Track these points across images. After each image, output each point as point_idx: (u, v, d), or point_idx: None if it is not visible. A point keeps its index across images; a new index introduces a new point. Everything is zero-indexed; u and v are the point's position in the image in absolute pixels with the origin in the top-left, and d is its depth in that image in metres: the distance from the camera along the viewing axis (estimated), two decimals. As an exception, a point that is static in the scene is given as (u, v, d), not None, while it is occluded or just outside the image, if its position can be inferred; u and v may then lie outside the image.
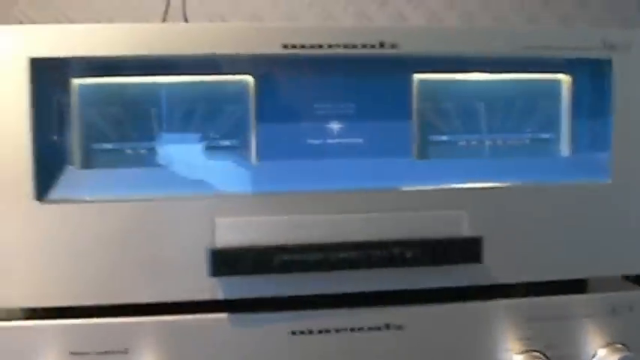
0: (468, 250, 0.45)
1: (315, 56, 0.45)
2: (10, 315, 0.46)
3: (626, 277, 0.53)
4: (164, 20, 0.77)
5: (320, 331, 0.46)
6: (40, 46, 0.43)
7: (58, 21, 0.77)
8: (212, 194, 0.45)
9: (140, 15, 0.77)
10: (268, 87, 0.46)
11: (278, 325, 0.46)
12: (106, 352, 0.45)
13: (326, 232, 0.45)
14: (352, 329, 0.46)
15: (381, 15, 0.80)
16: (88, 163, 0.46)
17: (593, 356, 0.50)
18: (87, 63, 0.44)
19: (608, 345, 0.50)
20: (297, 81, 0.46)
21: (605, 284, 0.51)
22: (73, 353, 0.44)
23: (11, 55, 0.42)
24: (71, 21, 0.77)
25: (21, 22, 0.76)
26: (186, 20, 0.77)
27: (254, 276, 0.44)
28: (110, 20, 0.77)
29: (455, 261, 0.46)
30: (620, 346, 0.49)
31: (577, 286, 0.51)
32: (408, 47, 0.46)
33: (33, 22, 0.76)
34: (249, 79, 0.46)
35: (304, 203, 0.45)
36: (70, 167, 0.45)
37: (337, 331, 0.46)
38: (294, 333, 0.46)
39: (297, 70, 0.46)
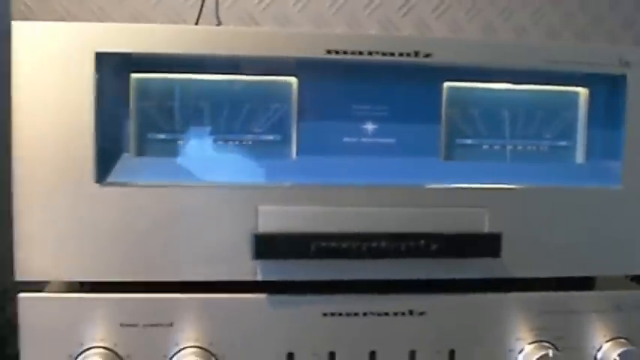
0: (488, 245, 0.49)
1: (354, 62, 0.49)
2: (66, 288, 0.50)
3: (633, 278, 0.56)
4: (198, 19, 0.80)
5: (349, 314, 0.50)
6: (105, 42, 0.47)
7: (95, 14, 0.80)
8: (256, 184, 0.49)
9: (174, 14, 0.81)
10: (310, 88, 0.50)
11: (311, 306, 0.50)
12: (152, 325, 0.49)
13: (358, 223, 0.49)
14: (379, 313, 0.50)
15: (405, 23, 0.84)
16: (142, 151, 0.49)
17: (599, 349, 0.53)
18: (146, 59, 0.48)
19: (612, 339, 0.53)
20: (336, 84, 0.50)
21: (612, 283, 0.55)
22: (122, 325, 0.48)
23: (79, 49, 0.46)
24: (108, 16, 0.81)
25: (60, 15, 0.79)
26: (218, 20, 0.81)
27: (291, 260, 0.48)
28: (145, 17, 0.80)
29: (475, 255, 0.50)
30: (623, 340, 0.53)
31: (586, 284, 0.55)
32: (441, 57, 0.50)
33: (70, 14, 0.80)
34: (293, 80, 0.50)
35: (339, 196, 0.49)
36: (126, 154, 0.49)
37: (365, 314, 0.50)
38: (325, 315, 0.50)
39: (338, 73, 0.50)
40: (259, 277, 0.49)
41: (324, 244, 0.47)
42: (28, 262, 0.47)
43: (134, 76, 0.49)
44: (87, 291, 0.49)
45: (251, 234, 0.47)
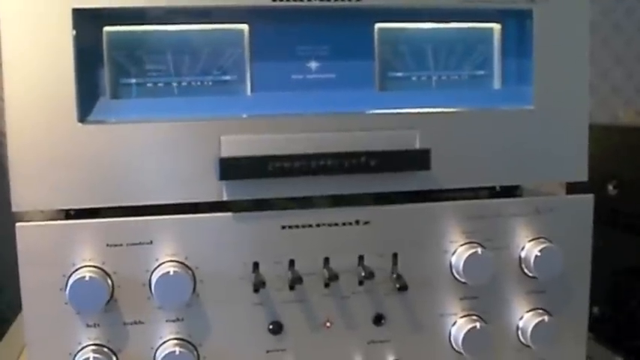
0: (419, 159, 0.58)
1: (297, 8, 0.57)
2: (55, 216, 0.57)
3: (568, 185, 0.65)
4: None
5: (304, 226, 0.58)
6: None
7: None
8: (217, 117, 0.56)
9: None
10: (260, 33, 0.58)
11: (271, 221, 0.57)
12: (134, 244, 0.56)
13: (308, 147, 0.57)
14: (329, 224, 0.58)
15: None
16: (116, 94, 0.57)
17: (522, 248, 0.62)
18: (116, 13, 0.56)
19: (534, 239, 0.62)
20: (283, 28, 0.58)
21: (531, 190, 0.64)
22: (108, 245, 0.56)
23: (58, 7, 0.54)
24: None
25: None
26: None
27: (252, 180, 0.56)
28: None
29: (409, 168, 0.58)
30: (543, 239, 0.62)
31: (511, 192, 0.63)
32: (371, 0, 0.58)
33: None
34: (244, 26, 0.58)
35: (290, 124, 0.57)
36: (103, 98, 0.56)
37: (318, 225, 0.58)
38: (284, 227, 0.58)
39: (283, 19, 0.58)
40: (225, 198, 0.57)
41: (279, 164, 0.55)
42: (22, 195, 0.54)
43: (106, 29, 0.56)
44: (74, 218, 0.56)
45: (216, 159, 0.55)
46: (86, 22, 0.54)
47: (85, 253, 0.55)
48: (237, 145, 0.56)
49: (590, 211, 0.62)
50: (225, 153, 0.55)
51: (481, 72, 0.62)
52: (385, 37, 0.60)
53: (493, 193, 0.64)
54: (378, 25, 0.60)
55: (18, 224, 0.55)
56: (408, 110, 0.59)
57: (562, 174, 0.63)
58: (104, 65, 0.56)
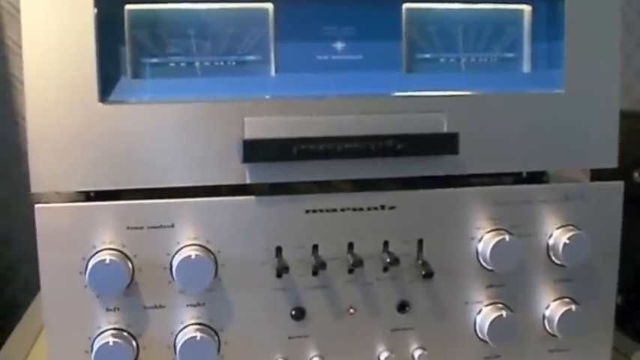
0: (447, 143, 0.56)
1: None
2: (70, 198, 0.56)
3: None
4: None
5: (329, 210, 0.57)
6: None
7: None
8: (241, 98, 0.55)
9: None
10: (285, 12, 0.57)
11: (295, 205, 0.56)
12: (155, 227, 0.55)
13: (333, 129, 0.55)
14: (354, 209, 0.57)
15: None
16: (137, 74, 0.56)
17: (550, 236, 0.61)
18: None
19: (562, 226, 0.61)
20: (308, 7, 0.57)
21: (561, 176, 0.63)
22: (129, 228, 0.55)
23: (80, -16, 0.52)
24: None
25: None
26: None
27: (276, 163, 0.55)
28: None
29: (437, 152, 0.56)
30: (571, 227, 0.60)
31: (537, 178, 0.62)
32: (399, -21, 0.56)
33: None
34: (269, 5, 0.57)
35: (315, 106, 0.56)
36: (124, 77, 0.55)
37: (342, 210, 0.57)
38: (307, 212, 0.57)
39: (309, -2, 0.57)
40: (248, 181, 0.55)
41: (304, 146, 0.54)
42: (41, 176, 0.53)
43: (128, 7, 0.55)
44: (94, 200, 0.55)
45: (239, 141, 0.54)
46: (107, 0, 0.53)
47: (105, 236, 0.54)
48: (261, 126, 0.55)
49: (619, 199, 0.61)
50: (249, 135, 0.54)
51: (510, 55, 0.61)
52: (413, 17, 0.58)
53: (518, 179, 0.63)
54: (405, 5, 0.58)
55: (37, 206, 0.54)
56: (435, 93, 0.58)
57: (591, 160, 0.61)
58: (125, 44, 0.55)
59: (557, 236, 0.60)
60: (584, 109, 0.60)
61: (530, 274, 0.60)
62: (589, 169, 0.68)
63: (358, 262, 0.56)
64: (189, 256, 0.54)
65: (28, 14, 0.52)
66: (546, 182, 0.62)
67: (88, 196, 0.56)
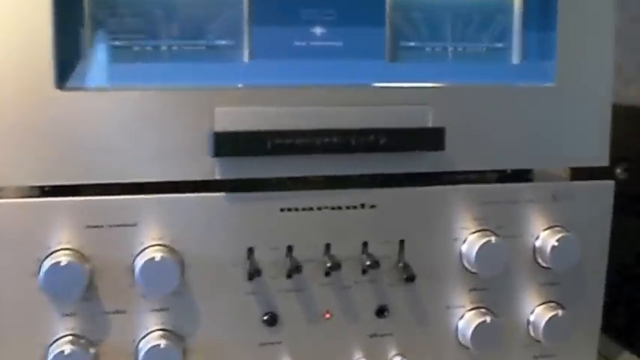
0: (432, 138, 0.53)
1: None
2: (23, 194, 0.51)
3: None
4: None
5: (305, 209, 0.53)
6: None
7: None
8: (211, 87, 0.51)
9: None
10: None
11: (269, 203, 0.52)
12: (116, 225, 0.50)
13: (310, 122, 0.51)
14: (332, 207, 0.53)
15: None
16: (98, 57, 0.51)
17: (537, 237, 0.57)
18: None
19: (549, 227, 0.57)
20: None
21: (545, 174, 0.59)
22: (88, 227, 0.50)
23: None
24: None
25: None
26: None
27: (248, 158, 0.51)
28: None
29: (422, 148, 0.53)
30: (559, 228, 0.57)
31: (522, 175, 0.59)
32: (384, -39, 0.52)
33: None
34: (243, -16, 0.52)
35: (292, 96, 0.52)
36: (83, 61, 0.50)
37: (319, 209, 0.53)
38: (282, 210, 0.52)
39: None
40: (217, 176, 0.51)
41: (279, 140, 0.50)
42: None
43: (88, -16, 0.50)
44: (49, 195, 0.50)
45: (210, 133, 0.49)
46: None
47: (61, 235, 0.50)
48: (233, 117, 0.50)
49: (610, 199, 0.58)
50: (220, 127, 0.50)
51: (500, 44, 0.57)
52: (398, 2, 0.54)
53: (502, 176, 0.59)
54: (392, -10, 0.54)
55: (-11, 201, 0.49)
56: (420, 84, 0.54)
57: (582, 158, 0.58)
58: (84, 24, 0.50)
59: (545, 238, 0.57)
60: (575, 104, 0.57)
61: (515, 277, 0.57)
62: (569, 168, 0.65)
63: (336, 265, 0.52)
64: (154, 257, 0.49)
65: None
66: (531, 180, 0.58)
67: (43, 192, 0.51)
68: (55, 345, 0.50)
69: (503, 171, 0.60)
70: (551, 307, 0.58)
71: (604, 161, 0.58)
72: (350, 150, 0.51)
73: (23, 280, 0.49)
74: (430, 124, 0.53)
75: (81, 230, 0.50)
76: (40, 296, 0.49)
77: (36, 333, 0.50)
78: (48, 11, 0.47)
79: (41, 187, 0.51)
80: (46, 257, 0.49)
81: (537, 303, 0.58)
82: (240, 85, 0.51)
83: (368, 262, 0.53)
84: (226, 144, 0.49)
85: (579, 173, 0.61)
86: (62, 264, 0.48)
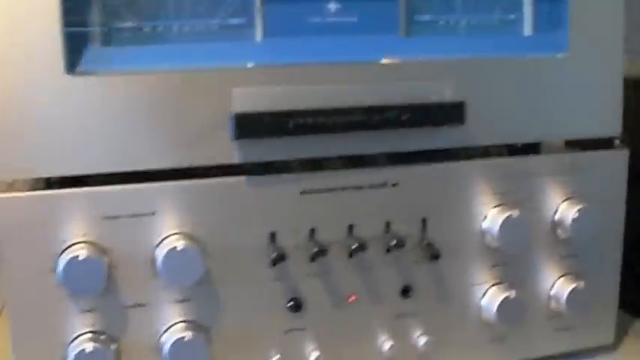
0: (454, 112, 0.52)
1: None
2: (38, 185, 0.49)
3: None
4: None
5: (326, 190, 0.51)
6: None
7: None
8: (227, 67, 0.49)
9: None
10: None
11: (289, 185, 0.51)
12: (134, 216, 0.48)
13: (330, 100, 0.50)
14: (355, 187, 0.52)
15: None
16: (109, 41, 0.48)
17: (556, 209, 0.57)
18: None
19: (567, 199, 0.57)
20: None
21: (553, 147, 0.59)
22: (104, 217, 0.48)
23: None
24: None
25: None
26: None
27: (267, 141, 0.49)
28: None
29: (444, 122, 0.52)
30: (577, 199, 0.57)
31: (531, 148, 0.58)
32: None
33: None
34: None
35: (310, 74, 0.50)
36: (93, 45, 0.48)
37: (342, 189, 0.52)
38: (303, 192, 0.51)
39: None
40: (237, 160, 0.49)
41: (303, 120, 0.48)
42: (3, 162, 0.46)
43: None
44: (56, 187, 0.48)
45: (231, 114, 0.48)
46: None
47: (78, 228, 0.47)
48: (251, 98, 0.49)
49: (624, 167, 0.58)
50: (239, 108, 0.48)
51: (512, 16, 0.56)
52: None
53: (512, 150, 0.59)
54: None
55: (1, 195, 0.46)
56: (436, 58, 0.53)
57: (595, 127, 0.57)
58: (94, 7, 0.47)
59: (564, 210, 0.56)
60: (588, 74, 0.56)
61: (535, 250, 0.57)
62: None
63: (362, 246, 0.51)
64: (175, 247, 0.47)
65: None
66: (538, 153, 0.57)
67: (49, 184, 0.49)
68: (75, 343, 0.48)
69: (513, 145, 0.59)
70: (571, 278, 0.57)
71: (616, 130, 0.58)
72: (373, 127, 0.50)
73: (40, 276, 0.47)
74: (448, 98, 0.52)
75: (98, 222, 0.48)
76: (58, 292, 0.47)
77: (55, 331, 0.48)
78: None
79: (47, 180, 0.48)
80: (63, 251, 0.47)
81: (557, 275, 0.58)
82: (255, 65, 0.50)
83: (394, 242, 0.51)
84: (248, 125, 0.48)
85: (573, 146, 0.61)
86: (81, 258, 0.46)
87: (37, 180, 0.49)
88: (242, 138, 0.48)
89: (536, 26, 0.56)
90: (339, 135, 0.50)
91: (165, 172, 0.49)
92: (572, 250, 0.57)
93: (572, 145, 0.58)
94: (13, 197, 0.46)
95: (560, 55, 0.56)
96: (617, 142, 0.73)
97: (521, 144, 0.58)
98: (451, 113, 0.51)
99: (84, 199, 0.47)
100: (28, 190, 0.47)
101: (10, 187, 0.48)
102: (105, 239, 0.48)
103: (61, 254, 0.47)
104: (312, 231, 0.51)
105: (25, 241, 0.46)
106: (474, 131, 0.53)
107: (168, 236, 0.49)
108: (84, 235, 0.47)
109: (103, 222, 0.48)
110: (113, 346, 0.49)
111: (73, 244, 0.47)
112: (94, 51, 0.47)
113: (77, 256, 0.46)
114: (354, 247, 0.51)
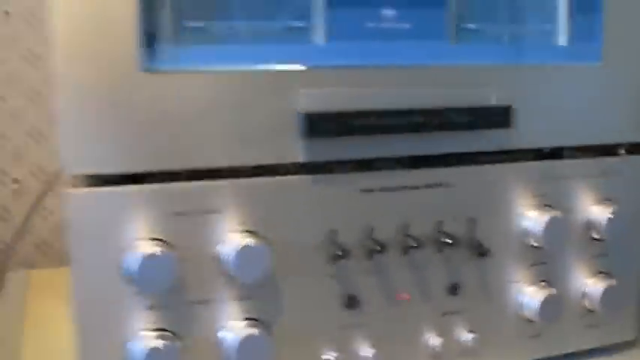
0: (505, 116, 0.54)
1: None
2: (106, 181, 0.48)
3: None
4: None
5: (384, 189, 0.53)
6: None
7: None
8: (293, 69, 0.50)
9: None
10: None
11: (350, 184, 0.52)
12: (202, 212, 0.49)
13: (391, 102, 0.52)
14: (411, 187, 0.53)
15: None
16: (182, 40, 0.49)
17: (589, 210, 0.59)
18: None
19: (600, 201, 0.60)
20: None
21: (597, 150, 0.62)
22: (172, 214, 0.48)
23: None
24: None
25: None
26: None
27: (331, 139, 0.50)
28: None
29: (497, 125, 0.54)
30: (610, 201, 0.59)
31: (558, 154, 0.60)
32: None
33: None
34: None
35: (367, 76, 0.52)
36: (164, 43, 0.48)
37: (402, 188, 0.53)
38: (363, 191, 0.52)
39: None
40: (303, 159, 0.50)
41: (369, 120, 0.50)
42: (75, 158, 0.46)
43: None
44: (116, 183, 0.48)
45: (301, 114, 0.49)
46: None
47: (145, 224, 0.48)
48: (317, 99, 0.50)
49: (653, 172, 0.61)
50: (307, 108, 0.49)
51: (549, 26, 0.59)
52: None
53: (539, 155, 0.61)
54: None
55: (68, 191, 0.46)
56: (482, 65, 0.55)
57: (627, 133, 0.60)
58: (166, 7, 0.48)
59: (598, 212, 0.59)
60: (621, 81, 0.59)
61: (569, 250, 0.59)
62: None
63: (416, 244, 0.52)
64: (243, 243, 0.48)
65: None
66: (561, 157, 0.60)
67: (107, 180, 0.48)
68: (140, 339, 0.48)
69: (539, 150, 0.61)
70: (603, 277, 0.60)
71: (645, 136, 0.61)
72: (435, 129, 0.52)
73: (107, 272, 0.47)
74: (493, 103, 0.54)
75: (166, 218, 0.48)
76: (125, 289, 0.47)
77: (120, 328, 0.48)
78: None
79: (107, 176, 0.48)
80: (131, 248, 0.47)
81: (590, 274, 0.60)
82: (321, 66, 0.51)
83: (449, 241, 0.53)
84: (319, 124, 0.49)
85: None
86: (153, 254, 0.46)
87: (92, 177, 0.48)
88: (313, 137, 0.49)
89: (573, 36, 0.59)
90: (399, 136, 0.51)
91: (227, 170, 0.49)
92: (603, 250, 0.60)
93: (605, 149, 0.61)
94: (87, 193, 0.46)
95: (594, 64, 0.58)
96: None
97: (554, 148, 0.61)
98: (504, 117, 0.54)
99: (152, 195, 0.48)
100: (94, 186, 0.47)
101: (77, 182, 0.48)
102: (171, 236, 0.48)
103: (131, 251, 0.47)
104: (370, 229, 0.52)
105: (91, 236, 0.46)
106: (517, 135, 0.56)
107: (235, 233, 0.49)
108: (152, 232, 0.48)
109: (171, 219, 0.48)
110: (178, 343, 0.49)
111: (143, 241, 0.47)
112: (165, 50, 0.48)
113: (149, 252, 0.46)
114: (412, 245, 0.52)
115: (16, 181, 0.94)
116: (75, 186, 0.47)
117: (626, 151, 0.61)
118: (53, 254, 0.95)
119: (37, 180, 0.94)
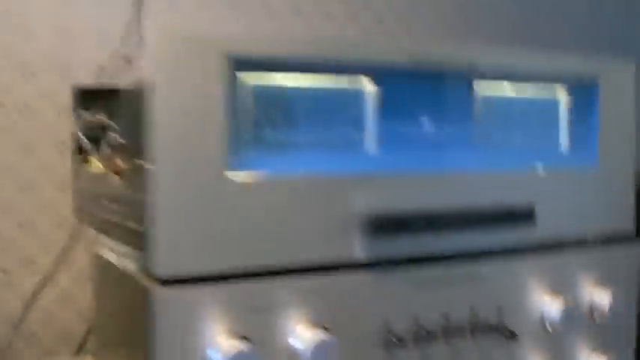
0: (531, 215, 0.61)
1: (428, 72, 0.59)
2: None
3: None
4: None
5: (433, 281, 0.59)
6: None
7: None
8: (355, 175, 0.56)
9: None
10: (388, 94, 0.59)
11: (403, 276, 0.57)
12: (275, 308, 0.53)
13: (437, 204, 0.58)
14: (450, 280, 0.60)
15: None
16: (254, 147, 0.54)
17: (590, 296, 0.67)
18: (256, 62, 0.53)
19: (598, 285, 0.67)
20: (409, 88, 0.59)
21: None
22: (249, 311, 0.52)
23: (213, 54, 0.50)
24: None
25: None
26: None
27: (386, 238, 0.56)
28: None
29: (522, 223, 0.61)
30: (607, 285, 0.67)
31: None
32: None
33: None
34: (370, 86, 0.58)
35: (412, 181, 0.58)
36: (244, 150, 0.53)
37: (444, 282, 0.59)
38: (413, 283, 0.58)
39: (414, 80, 0.59)
40: (367, 258, 0.56)
41: (427, 220, 0.57)
42: (170, 261, 0.49)
43: (252, 83, 0.54)
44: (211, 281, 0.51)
45: (364, 216, 0.55)
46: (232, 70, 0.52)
47: (227, 321, 0.51)
48: (376, 202, 0.56)
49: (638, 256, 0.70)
50: (366, 210, 0.55)
51: (554, 137, 0.68)
52: (482, 101, 0.63)
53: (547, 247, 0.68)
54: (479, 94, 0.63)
55: (158, 289, 0.49)
56: (507, 169, 0.63)
57: (617, 223, 0.69)
58: (249, 117, 0.53)
59: (598, 295, 0.67)
60: (615, 180, 0.68)
61: (574, 331, 0.67)
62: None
63: (460, 333, 0.58)
64: (317, 339, 0.52)
65: (158, 86, 0.49)
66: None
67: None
68: None
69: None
70: (599, 353, 0.67)
71: (630, 225, 0.70)
72: (484, 227, 0.59)
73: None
74: (518, 204, 0.62)
75: (244, 315, 0.52)
76: (210, 385, 0.50)
77: None
78: (223, 110, 0.51)
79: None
80: (215, 345, 0.50)
81: (588, 351, 0.68)
82: (377, 172, 0.57)
83: (483, 328, 0.59)
84: (384, 225, 0.55)
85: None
86: (237, 353, 0.50)
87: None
88: (380, 236, 0.54)
89: (573, 145, 0.68)
90: (444, 234, 0.58)
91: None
92: (599, 328, 0.68)
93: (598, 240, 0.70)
94: (175, 291, 0.49)
95: (593, 167, 0.67)
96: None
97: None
98: (531, 216, 0.61)
99: (230, 293, 0.51)
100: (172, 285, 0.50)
101: (163, 282, 0.51)
102: (248, 331, 0.52)
103: (213, 348, 0.50)
104: (416, 317, 0.58)
105: (180, 335, 0.49)
106: (539, 231, 0.63)
107: (302, 327, 0.53)
108: (232, 329, 0.51)
109: (248, 316, 0.52)
110: None
111: (225, 338, 0.51)
112: (242, 157, 0.52)
113: (237, 350, 0.50)
114: (470, 330, 0.59)
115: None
116: (161, 285, 0.50)
117: (618, 241, 0.69)
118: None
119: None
